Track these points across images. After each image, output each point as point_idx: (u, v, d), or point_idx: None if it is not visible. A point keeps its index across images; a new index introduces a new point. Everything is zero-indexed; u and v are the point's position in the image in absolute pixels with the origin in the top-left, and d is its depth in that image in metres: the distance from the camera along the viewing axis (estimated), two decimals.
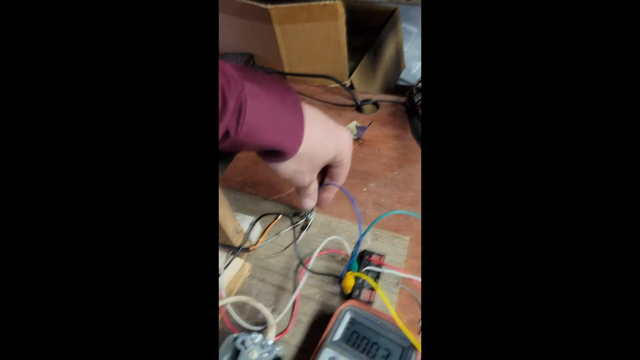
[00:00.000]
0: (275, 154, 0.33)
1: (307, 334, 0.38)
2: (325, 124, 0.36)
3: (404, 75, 1.04)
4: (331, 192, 0.44)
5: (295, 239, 0.44)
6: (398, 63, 0.93)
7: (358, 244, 0.37)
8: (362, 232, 0.37)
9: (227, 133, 0.28)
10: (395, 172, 0.54)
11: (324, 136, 0.35)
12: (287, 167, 0.35)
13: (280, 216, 0.47)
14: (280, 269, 0.43)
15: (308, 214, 0.46)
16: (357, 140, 0.59)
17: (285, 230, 0.46)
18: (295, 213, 0.47)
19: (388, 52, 0.85)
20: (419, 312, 0.39)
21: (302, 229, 0.46)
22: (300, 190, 0.41)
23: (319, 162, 0.36)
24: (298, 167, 0.35)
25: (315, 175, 0.39)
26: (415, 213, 0.40)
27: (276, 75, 0.73)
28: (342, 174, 0.41)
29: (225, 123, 0.27)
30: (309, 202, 0.42)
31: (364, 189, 0.53)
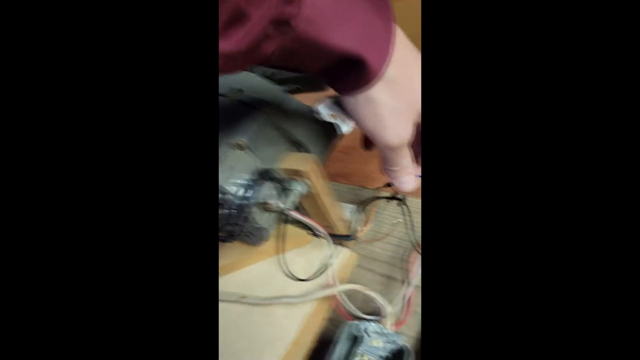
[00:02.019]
0: (353, 77, 0.23)
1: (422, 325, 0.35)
2: (419, 59, 0.26)
3: None
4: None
5: (406, 224, 0.41)
6: None
7: None
8: None
9: (278, 24, 0.19)
10: None
11: (417, 73, 0.25)
12: (370, 103, 0.24)
13: (382, 200, 0.46)
14: (388, 258, 0.41)
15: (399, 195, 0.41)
16: None
17: (394, 222, 0.44)
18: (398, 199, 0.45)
19: None
20: None
21: (400, 202, 0.42)
22: (392, 162, 0.30)
23: (415, 106, 0.26)
24: (390, 102, 0.24)
25: (411, 127, 0.27)
26: None
27: None
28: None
29: (271, 5, 0.18)
30: (406, 181, 0.32)
31: None
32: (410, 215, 0.41)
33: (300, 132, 0.40)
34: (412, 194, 0.49)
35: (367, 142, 0.40)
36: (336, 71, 0.24)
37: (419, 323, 0.36)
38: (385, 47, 0.23)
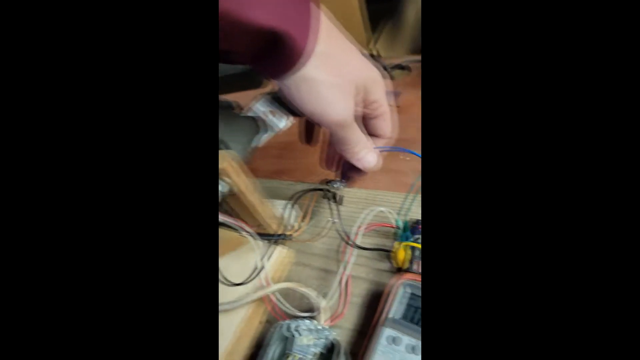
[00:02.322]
0: (282, 57, 0.23)
1: (361, 316, 0.35)
2: (348, 39, 0.26)
3: None
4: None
5: (333, 215, 0.40)
6: None
7: (404, 209, 0.33)
8: (413, 198, 0.34)
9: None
10: None
11: (350, 47, 0.26)
12: (307, 82, 0.24)
13: (314, 192, 0.44)
14: (324, 251, 0.40)
15: (338, 181, 0.40)
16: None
17: (324, 210, 0.43)
18: (328, 181, 0.43)
19: (411, 13, 0.79)
20: None
21: (338, 203, 0.41)
22: (344, 140, 0.29)
23: (352, 78, 0.26)
24: (326, 78, 0.24)
25: (353, 103, 0.27)
26: None
27: None
28: (385, 126, 0.31)
29: None
30: (368, 157, 0.31)
31: (407, 158, 0.48)
32: (337, 207, 0.40)
33: (220, 129, 0.38)
34: (354, 184, 0.48)
35: (308, 136, 0.38)
36: (265, 55, 0.23)
37: (355, 313, 0.35)
38: (307, 22, 0.22)
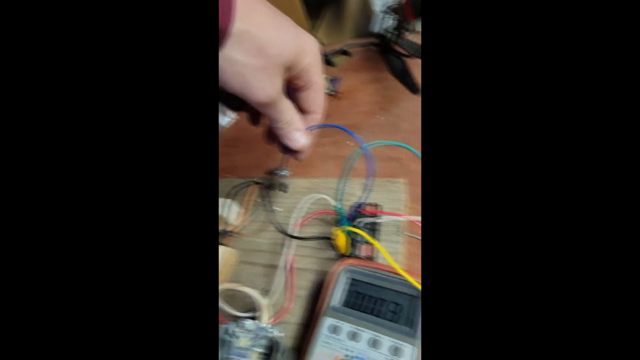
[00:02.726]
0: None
1: (307, 309, 0.33)
2: (274, 12, 0.25)
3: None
4: (310, 133, 0.32)
5: (270, 206, 0.38)
6: (366, 11, 0.86)
7: (340, 194, 0.31)
8: (345, 182, 0.32)
9: None
10: (379, 116, 0.49)
11: (275, 22, 0.25)
12: (229, 63, 0.23)
13: (253, 185, 0.42)
14: (268, 246, 0.38)
15: (281, 170, 0.38)
16: (333, 94, 0.54)
17: (274, 209, 0.41)
18: (270, 172, 0.41)
19: (352, 1, 0.78)
20: None
21: (280, 188, 0.39)
22: (273, 118, 0.29)
23: (276, 58, 0.25)
24: (246, 59, 0.23)
25: (280, 82, 0.26)
26: (408, 145, 0.34)
27: None
28: (316, 99, 0.30)
29: None
30: (297, 137, 0.30)
31: (351, 144, 0.47)
32: (268, 198, 0.38)
33: None
34: (293, 175, 0.46)
35: (253, 117, 0.36)
36: None
37: (301, 307, 0.33)
38: (223, 1, 0.22)
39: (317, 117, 0.32)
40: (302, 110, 0.31)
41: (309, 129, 0.31)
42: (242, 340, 0.27)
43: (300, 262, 0.36)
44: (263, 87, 0.25)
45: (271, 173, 0.40)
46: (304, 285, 0.34)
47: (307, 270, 0.35)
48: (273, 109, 0.28)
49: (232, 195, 0.40)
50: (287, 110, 0.29)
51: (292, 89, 0.30)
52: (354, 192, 0.39)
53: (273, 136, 0.36)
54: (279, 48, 0.25)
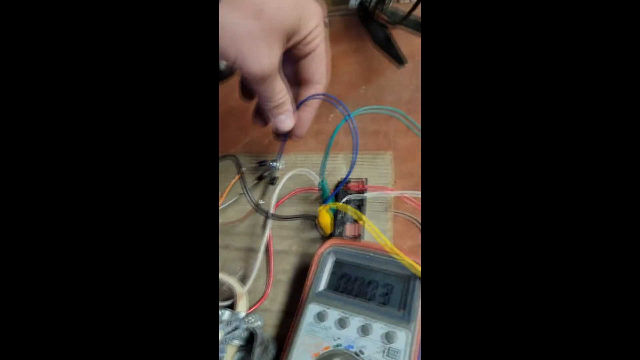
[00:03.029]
0: None
1: (290, 294, 0.30)
2: None
3: None
4: (311, 106, 0.30)
5: (245, 185, 0.34)
6: None
7: (322, 169, 0.28)
8: (327, 155, 0.29)
9: None
10: (363, 88, 0.46)
11: None
12: (221, 27, 0.20)
13: (242, 171, 0.38)
14: (246, 229, 0.35)
15: (273, 161, 0.36)
16: None
17: (250, 186, 0.37)
18: (261, 162, 0.38)
19: None
20: (420, 237, 0.31)
21: (271, 182, 0.36)
22: (264, 96, 0.26)
23: (276, 22, 0.22)
24: (242, 22, 0.21)
25: (278, 53, 0.24)
26: (392, 108, 0.31)
27: None
28: (318, 68, 0.28)
29: None
30: (283, 118, 0.28)
31: (331, 116, 0.44)
32: (244, 181, 0.35)
33: None
34: (270, 151, 0.43)
35: (244, 90, 0.33)
36: None
37: (283, 292, 0.30)
38: None
39: (319, 87, 0.29)
40: (302, 79, 0.29)
41: (302, 102, 0.29)
42: (219, 334, 0.24)
43: (281, 244, 0.33)
44: (259, 57, 0.22)
45: (261, 163, 0.37)
46: (285, 268, 0.32)
47: (287, 253, 0.32)
48: (266, 87, 0.25)
49: None
50: (280, 91, 0.26)
51: (291, 57, 0.27)
52: (339, 168, 0.36)
53: (262, 115, 0.33)
54: (280, 10, 0.22)
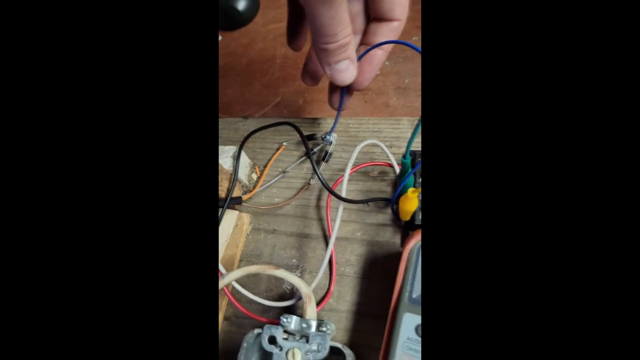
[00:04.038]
0: None
1: (359, 291, 0.25)
2: None
3: None
4: (383, 49, 0.24)
5: (315, 166, 0.27)
6: None
7: (411, 139, 0.22)
8: (417, 125, 0.23)
9: None
10: (415, 38, 0.38)
11: None
12: None
13: (284, 143, 0.32)
14: (296, 210, 0.29)
15: (327, 135, 0.29)
16: None
17: (293, 165, 0.31)
18: (310, 136, 0.31)
19: None
20: None
21: (323, 158, 0.30)
22: (326, 29, 0.19)
23: None
24: None
25: None
26: None
27: None
28: (396, 1, 0.21)
29: None
30: (345, 66, 0.21)
31: (378, 72, 0.37)
32: (318, 164, 0.28)
33: None
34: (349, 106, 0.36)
35: (292, 33, 0.26)
36: None
37: (350, 289, 0.25)
38: None
39: (397, 25, 0.23)
40: (376, 16, 0.23)
41: (368, 51, 0.23)
42: (294, 354, 0.19)
43: (341, 229, 0.27)
44: None
45: (311, 138, 0.30)
46: (349, 259, 0.26)
47: (351, 241, 0.27)
48: (331, 13, 0.18)
49: (240, 146, 0.29)
50: (346, 26, 0.20)
51: None
52: (404, 136, 0.30)
53: (316, 70, 0.26)
54: None
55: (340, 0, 0.18)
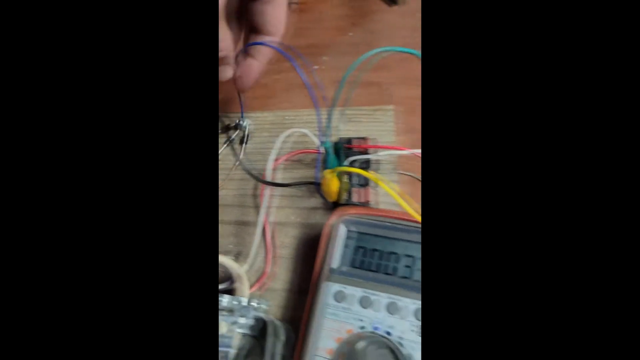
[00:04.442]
0: None
1: (295, 271, 0.27)
2: None
3: None
4: (260, 54, 0.26)
5: (237, 154, 0.30)
6: None
7: (328, 127, 0.24)
8: (331, 108, 0.25)
9: None
10: (351, 34, 0.40)
11: None
12: None
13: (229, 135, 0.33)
14: (233, 199, 0.31)
15: (239, 120, 0.32)
16: (292, 6, 0.43)
17: (221, 149, 0.32)
18: (228, 125, 0.33)
19: None
20: None
21: (241, 142, 0.32)
22: None
23: None
24: None
25: None
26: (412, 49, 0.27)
27: None
28: (276, 16, 0.25)
29: None
30: (223, 69, 0.26)
31: (315, 67, 0.39)
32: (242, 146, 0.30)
33: None
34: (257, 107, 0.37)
35: None
36: None
37: (286, 269, 0.27)
38: None
39: (272, 39, 0.26)
40: (254, 26, 0.26)
41: (244, 49, 0.27)
42: (222, 326, 0.21)
43: (277, 214, 0.29)
44: None
45: (232, 127, 0.32)
46: (284, 242, 0.28)
47: (285, 225, 0.29)
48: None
49: None
50: (223, 39, 0.24)
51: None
52: (335, 125, 0.32)
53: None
54: None
55: (221, 24, 0.23)
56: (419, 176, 0.30)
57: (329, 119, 0.24)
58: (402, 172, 0.30)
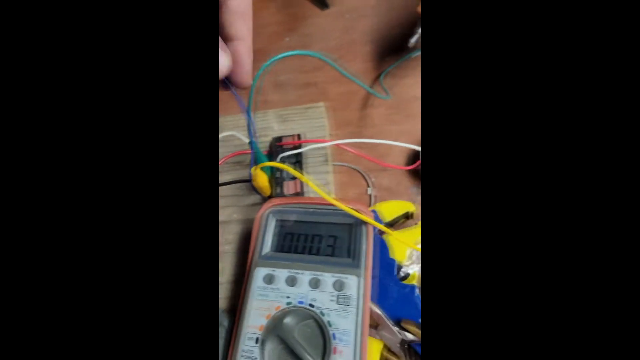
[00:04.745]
0: None
1: (237, 264, 0.29)
2: None
3: None
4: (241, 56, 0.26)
5: None
6: None
7: (249, 128, 0.26)
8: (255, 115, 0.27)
9: None
10: (287, 39, 0.43)
11: None
12: None
13: None
14: None
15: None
16: None
17: None
18: None
19: None
20: (365, 184, 0.31)
21: None
22: None
23: None
24: None
25: None
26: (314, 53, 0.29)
27: None
28: (241, 22, 0.25)
29: None
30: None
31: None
32: None
33: None
34: None
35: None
36: None
37: (230, 263, 0.29)
38: None
39: (243, 44, 0.26)
40: (224, 35, 0.25)
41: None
42: None
43: (220, 214, 0.31)
44: None
45: None
46: (228, 239, 0.30)
47: (229, 222, 0.31)
48: None
49: None
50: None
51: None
52: (270, 127, 0.34)
53: None
54: None
55: None
56: (354, 166, 0.32)
57: (249, 119, 0.26)
58: (336, 163, 0.32)
